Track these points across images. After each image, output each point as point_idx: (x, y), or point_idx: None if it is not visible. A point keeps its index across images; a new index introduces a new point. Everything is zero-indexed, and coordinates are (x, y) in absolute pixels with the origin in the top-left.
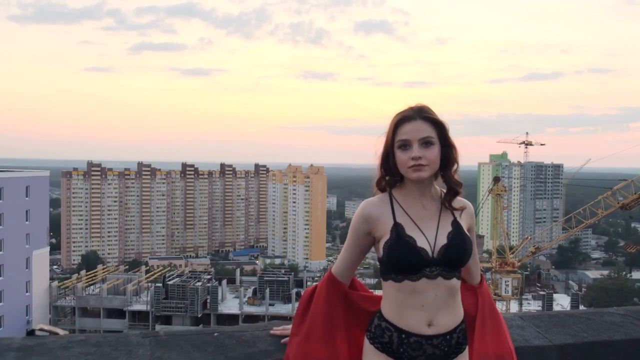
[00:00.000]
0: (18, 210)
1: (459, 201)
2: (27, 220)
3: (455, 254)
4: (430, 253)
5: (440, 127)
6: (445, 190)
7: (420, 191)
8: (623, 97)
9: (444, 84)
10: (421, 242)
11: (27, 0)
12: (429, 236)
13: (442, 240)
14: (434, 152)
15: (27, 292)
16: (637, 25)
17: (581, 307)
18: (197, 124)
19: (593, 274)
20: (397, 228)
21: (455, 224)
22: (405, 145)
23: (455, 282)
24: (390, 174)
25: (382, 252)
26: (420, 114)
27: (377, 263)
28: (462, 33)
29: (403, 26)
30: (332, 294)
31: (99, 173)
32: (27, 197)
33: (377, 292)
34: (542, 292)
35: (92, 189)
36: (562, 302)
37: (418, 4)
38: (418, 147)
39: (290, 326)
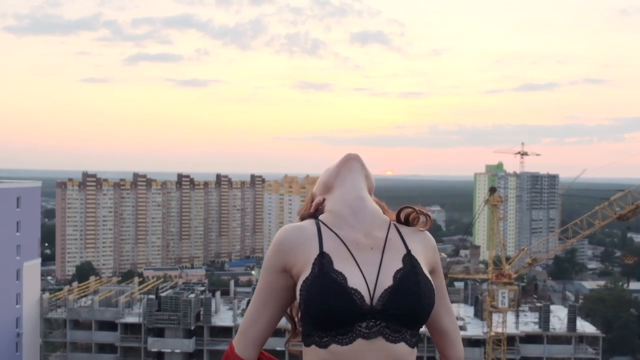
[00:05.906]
0: (9, 221)
1: (419, 227)
2: (17, 232)
3: (405, 303)
4: (367, 298)
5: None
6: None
7: (358, 204)
8: (618, 108)
9: (440, 94)
10: (355, 281)
11: (24, 11)
12: (368, 274)
13: (387, 281)
14: None
15: (17, 304)
16: (631, 36)
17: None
18: (193, 135)
19: (590, 284)
20: (321, 260)
21: (409, 259)
22: None
23: (405, 351)
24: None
25: (299, 296)
26: None
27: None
28: (458, 43)
29: (399, 37)
30: None
31: (94, 183)
32: (18, 208)
33: None
34: (538, 304)
35: (87, 199)
36: (559, 313)
37: (414, 15)
38: None
39: None
